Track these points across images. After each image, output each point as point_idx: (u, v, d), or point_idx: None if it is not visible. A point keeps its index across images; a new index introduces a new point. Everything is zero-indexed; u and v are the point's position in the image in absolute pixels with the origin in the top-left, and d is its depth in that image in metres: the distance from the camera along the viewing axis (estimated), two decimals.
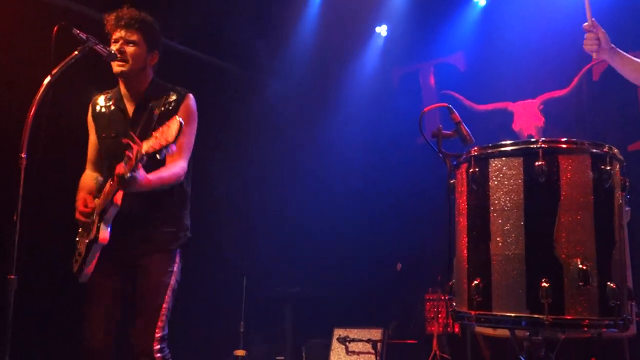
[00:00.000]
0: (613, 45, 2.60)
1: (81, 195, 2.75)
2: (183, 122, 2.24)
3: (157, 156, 2.29)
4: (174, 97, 2.75)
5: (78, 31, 2.47)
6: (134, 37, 2.70)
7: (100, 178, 2.83)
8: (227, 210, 5.68)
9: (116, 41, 2.69)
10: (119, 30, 2.70)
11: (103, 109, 2.83)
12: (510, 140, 2.11)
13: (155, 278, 2.68)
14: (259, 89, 6.17)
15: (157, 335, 2.62)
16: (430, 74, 6.37)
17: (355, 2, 6.19)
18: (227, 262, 5.50)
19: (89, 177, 2.87)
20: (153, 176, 2.49)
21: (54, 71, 2.37)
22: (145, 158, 2.33)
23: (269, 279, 5.72)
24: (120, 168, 2.37)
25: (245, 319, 5.07)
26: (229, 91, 5.94)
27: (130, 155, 2.33)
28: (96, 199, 2.70)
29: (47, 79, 2.35)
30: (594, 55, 2.59)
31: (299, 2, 6.23)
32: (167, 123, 2.27)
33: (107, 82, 2.88)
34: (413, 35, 6.25)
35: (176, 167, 2.63)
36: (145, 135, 2.44)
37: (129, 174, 2.33)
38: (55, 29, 2.40)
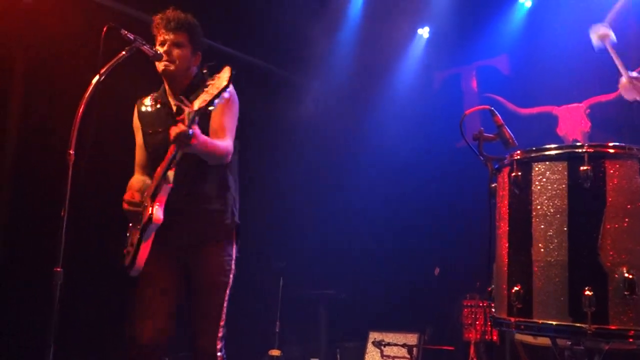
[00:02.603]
0: None
1: (129, 192, 2.77)
2: (232, 71, 2.32)
3: (210, 108, 2.35)
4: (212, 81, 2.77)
5: (126, 32, 2.55)
6: (180, 39, 2.75)
7: (149, 181, 2.84)
8: (267, 210, 5.72)
9: (163, 43, 2.74)
10: (165, 32, 2.75)
11: (149, 108, 2.88)
12: (555, 144, 2.07)
13: (214, 273, 2.69)
14: (303, 91, 6.21)
15: (220, 334, 2.61)
16: (472, 77, 6.28)
17: (397, 3, 6.16)
18: (265, 261, 5.54)
19: (137, 180, 2.90)
20: (206, 138, 2.53)
21: (102, 70, 2.44)
22: (197, 117, 2.38)
23: (306, 279, 5.73)
24: (176, 128, 2.39)
25: (281, 319, 5.10)
26: (275, 93, 5.99)
27: (183, 116, 2.38)
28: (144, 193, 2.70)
29: (96, 78, 2.42)
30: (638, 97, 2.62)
31: (342, 2, 6.24)
32: (216, 75, 2.34)
33: (154, 83, 2.93)
34: (455, 38, 6.18)
35: (224, 142, 2.65)
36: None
37: (189, 131, 2.35)
38: (105, 29, 2.47)
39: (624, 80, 2.66)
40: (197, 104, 2.35)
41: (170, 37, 2.74)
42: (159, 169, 2.61)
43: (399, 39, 6.55)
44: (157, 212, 2.55)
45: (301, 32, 5.88)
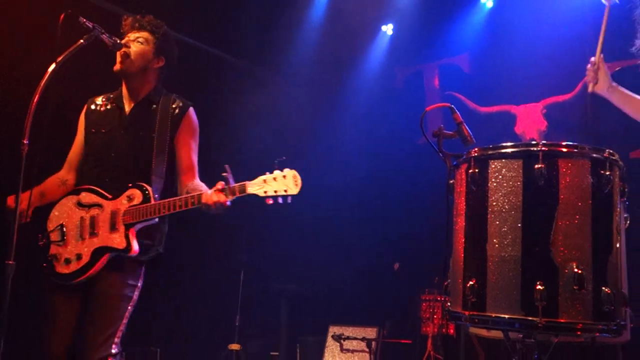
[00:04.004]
0: (614, 84, 2.67)
1: (27, 193, 2.64)
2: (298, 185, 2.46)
3: (268, 202, 2.47)
4: (179, 105, 2.79)
5: (84, 20, 2.49)
6: (143, 36, 2.72)
7: (71, 182, 2.80)
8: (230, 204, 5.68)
9: (127, 42, 2.71)
10: (131, 30, 2.74)
11: (99, 107, 2.82)
12: (511, 142, 2.11)
13: (116, 290, 2.55)
14: (264, 84, 6.17)
15: (112, 351, 2.45)
16: (434, 75, 6.37)
17: None
18: (225, 256, 5.50)
19: (56, 178, 2.84)
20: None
21: (59, 59, 2.38)
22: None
23: (266, 274, 5.73)
24: (216, 196, 2.46)
25: (242, 313, 5.08)
26: (235, 85, 5.94)
27: (231, 189, 2.46)
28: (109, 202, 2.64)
29: (52, 67, 2.36)
30: (589, 89, 2.67)
31: None
32: (284, 173, 2.47)
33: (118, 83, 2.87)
34: (419, 35, 6.25)
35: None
36: (143, 133, 2.59)
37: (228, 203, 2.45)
38: (62, 16, 2.41)
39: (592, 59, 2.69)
40: (253, 188, 2.46)
41: (134, 34, 2.72)
42: (136, 197, 2.58)
43: (363, 34, 6.58)
44: (136, 245, 2.55)
45: (266, 24, 5.85)
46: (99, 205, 2.61)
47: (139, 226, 2.55)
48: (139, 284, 2.62)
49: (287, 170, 2.42)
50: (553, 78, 5.43)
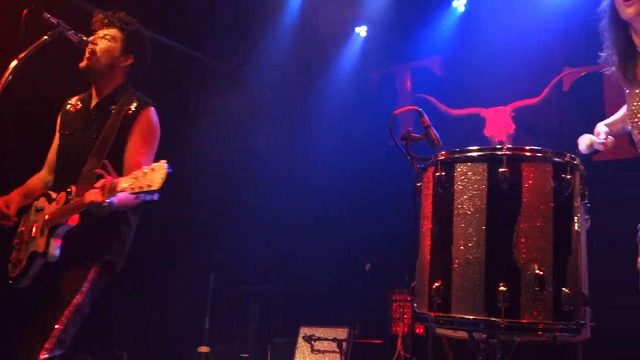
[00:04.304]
0: (606, 129, 2.72)
1: (13, 194, 2.67)
2: (169, 170, 2.11)
3: (136, 199, 2.16)
4: (134, 106, 2.63)
5: (49, 16, 2.44)
6: (111, 33, 2.67)
7: (51, 183, 2.76)
8: (196, 205, 5.65)
9: (95, 39, 2.66)
10: (100, 27, 2.69)
11: (71, 108, 2.78)
12: (478, 145, 2.14)
13: (51, 295, 2.46)
14: (238, 84, 6.15)
15: (44, 356, 2.33)
16: (406, 77, 6.42)
17: (335, 0, 6.21)
18: (195, 258, 5.47)
19: (38, 179, 2.82)
20: (122, 196, 2.31)
21: (21, 55, 2.33)
22: (116, 194, 2.19)
23: (236, 276, 5.70)
24: (92, 195, 2.25)
25: (211, 315, 5.05)
26: (211, 85, 5.91)
27: (102, 185, 2.23)
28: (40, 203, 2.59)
29: (14, 63, 2.31)
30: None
31: None
32: (152, 166, 2.14)
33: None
34: (392, 38, 6.29)
35: None
36: (90, 134, 2.50)
37: (104, 203, 2.21)
38: (25, 12, 2.36)
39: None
40: (124, 185, 2.14)
41: (103, 31, 2.67)
42: (61, 198, 2.47)
43: (338, 36, 6.60)
44: (54, 249, 2.41)
45: (239, 24, 5.83)
46: (43, 210, 2.58)
47: (62, 229, 2.42)
48: (84, 288, 2.47)
49: (156, 164, 2.13)
50: (521, 82, 5.53)
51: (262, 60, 6.17)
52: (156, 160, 2.17)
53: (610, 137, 2.69)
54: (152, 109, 2.67)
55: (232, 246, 5.71)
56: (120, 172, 2.47)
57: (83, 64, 2.64)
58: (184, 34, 5.61)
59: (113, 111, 2.63)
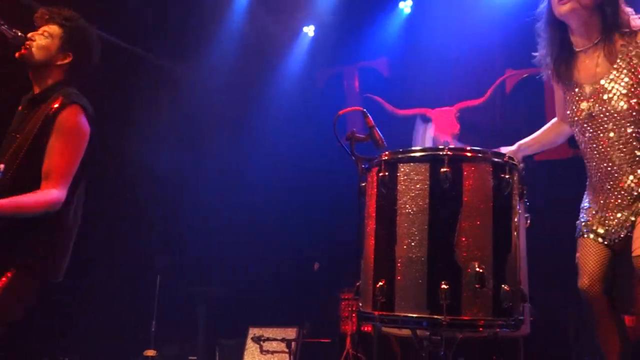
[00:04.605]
0: (520, 148, 2.89)
1: None
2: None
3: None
4: (56, 104, 2.46)
5: None
6: (51, 29, 2.56)
7: None
8: (141, 207, 5.53)
9: (33, 35, 2.55)
10: (42, 24, 2.58)
11: (20, 106, 2.65)
12: (420, 147, 2.18)
13: None
14: (184, 85, 6.06)
15: None
16: (354, 77, 6.47)
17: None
18: (140, 259, 5.35)
19: None
20: (8, 201, 2.25)
21: None
22: None
23: (184, 277, 5.62)
24: None
25: (157, 318, 4.96)
26: (157, 84, 5.79)
27: None
28: None
29: None
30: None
31: None
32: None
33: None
34: (339, 38, 6.33)
35: (47, 194, 2.34)
36: (13, 137, 2.38)
37: None
38: None
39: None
40: None
41: (43, 28, 2.57)
42: None
43: (285, 35, 6.59)
44: None
45: (185, 21, 5.73)
46: None
47: None
48: None
49: None
50: (466, 83, 5.68)
51: (209, 60, 6.09)
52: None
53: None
54: (76, 107, 2.47)
55: (179, 247, 5.62)
56: (39, 176, 2.37)
57: (18, 53, 2.52)
58: (130, 33, 5.48)
59: (36, 111, 2.50)
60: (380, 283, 2.07)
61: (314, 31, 6.64)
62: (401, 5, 6.18)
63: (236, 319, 5.50)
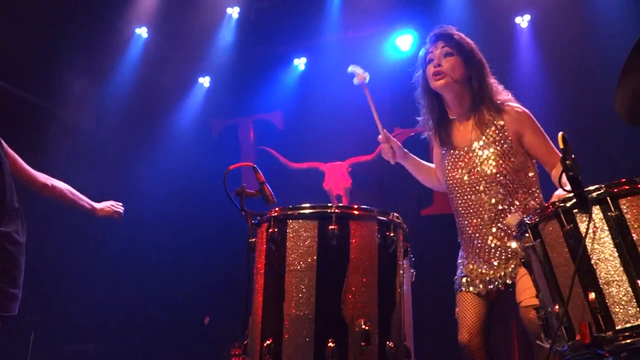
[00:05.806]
0: (406, 151, 2.98)
1: None
2: None
3: None
4: None
5: None
6: None
7: None
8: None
9: None
10: None
11: None
12: (309, 204, 2.20)
13: None
14: (71, 128, 5.78)
15: None
16: (249, 129, 6.51)
17: (179, 49, 6.17)
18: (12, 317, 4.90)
19: None
20: None
21: None
22: None
23: (58, 334, 5.21)
24: None
25: None
26: (43, 129, 5.48)
27: None
28: None
29: None
30: (391, 161, 2.92)
31: (123, 40, 6.04)
32: None
33: None
34: (235, 90, 6.38)
35: None
36: None
37: None
38: None
39: (380, 137, 2.98)
40: None
41: None
42: None
43: (180, 84, 6.54)
44: None
45: (75, 67, 5.54)
46: None
47: None
48: None
49: None
50: (357, 139, 5.87)
51: (100, 103, 5.89)
52: None
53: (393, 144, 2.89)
54: None
55: (53, 303, 5.22)
56: None
57: None
58: (21, 78, 5.21)
59: None
60: (268, 342, 2.04)
61: (210, 82, 6.64)
62: (296, 62, 6.36)
63: None
